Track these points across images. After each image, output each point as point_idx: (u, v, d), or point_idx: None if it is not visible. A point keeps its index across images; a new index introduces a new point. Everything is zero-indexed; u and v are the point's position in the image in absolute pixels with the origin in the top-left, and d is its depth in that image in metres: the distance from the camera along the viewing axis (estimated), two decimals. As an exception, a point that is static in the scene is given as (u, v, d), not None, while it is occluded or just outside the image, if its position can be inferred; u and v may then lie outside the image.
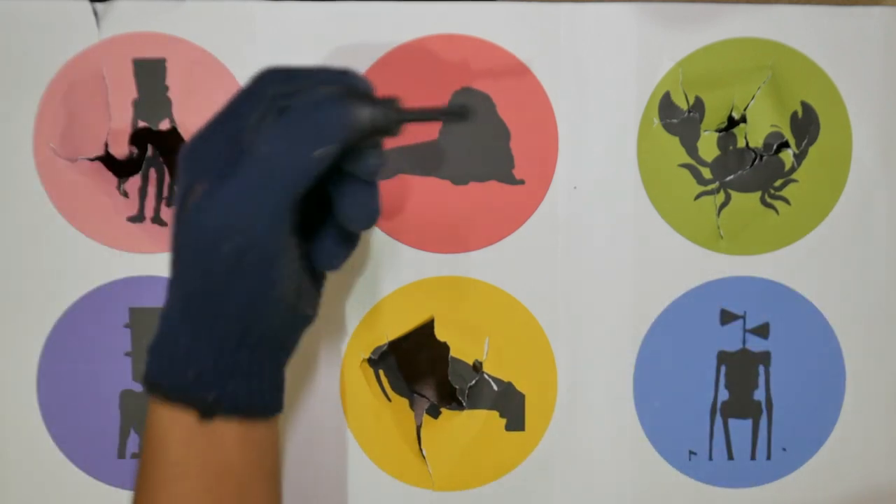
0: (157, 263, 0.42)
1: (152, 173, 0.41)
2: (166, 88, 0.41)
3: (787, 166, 0.42)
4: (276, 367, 0.32)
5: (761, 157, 0.42)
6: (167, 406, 0.30)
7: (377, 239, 0.42)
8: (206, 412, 0.30)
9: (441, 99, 0.41)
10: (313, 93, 0.28)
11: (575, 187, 0.42)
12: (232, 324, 0.29)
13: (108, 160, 0.41)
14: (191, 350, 0.30)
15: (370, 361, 0.42)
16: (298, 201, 0.29)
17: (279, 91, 0.29)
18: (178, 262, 0.30)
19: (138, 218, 0.41)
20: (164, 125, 0.41)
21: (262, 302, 0.29)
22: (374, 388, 0.42)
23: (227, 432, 0.30)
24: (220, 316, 0.29)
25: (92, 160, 0.41)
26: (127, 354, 0.42)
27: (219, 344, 0.29)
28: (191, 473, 0.30)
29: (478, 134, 0.41)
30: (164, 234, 0.42)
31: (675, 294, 0.43)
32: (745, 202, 0.42)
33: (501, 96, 0.41)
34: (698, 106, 0.42)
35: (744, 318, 0.43)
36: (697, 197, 0.42)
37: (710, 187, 0.42)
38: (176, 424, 0.30)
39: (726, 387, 0.43)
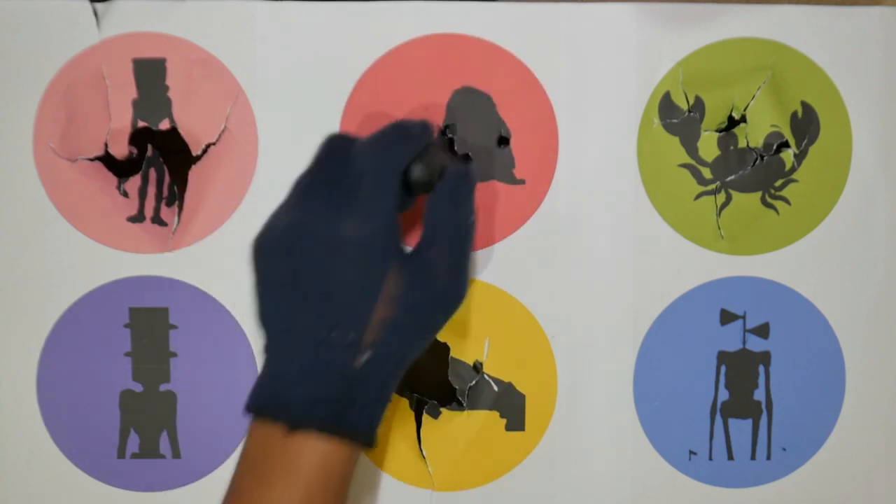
0: (157, 263, 0.42)
1: (152, 173, 0.41)
2: (166, 88, 0.41)
3: (788, 166, 0.42)
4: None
5: (762, 157, 0.42)
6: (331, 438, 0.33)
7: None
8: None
9: (441, 99, 0.41)
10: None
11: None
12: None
13: (108, 160, 0.41)
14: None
15: (370, 361, 0.42)
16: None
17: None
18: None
19: (138, 218, 0.41)
20: (164, 125, 0.41)
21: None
22: (374, 388, 0.42)
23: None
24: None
25: (92, 160, 0.41)
26: (127, 354, 0.42)
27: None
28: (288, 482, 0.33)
29: (478, 134, 0.41)
30: (164, 234, 0.42)
31: (675, 294, 0.43)
32: (746, 202, 0.42)
33: (501, 96, 0.41)
34: (698, 106, 0.42)
35: (744, 318, 0.43)
36: (697, 197, 0.42)
37: (710, 187, 0.42)
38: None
39: (726, 387, 0.43)
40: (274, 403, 0.33)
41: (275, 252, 0.34)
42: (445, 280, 0.34)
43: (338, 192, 0.34)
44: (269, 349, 0.34)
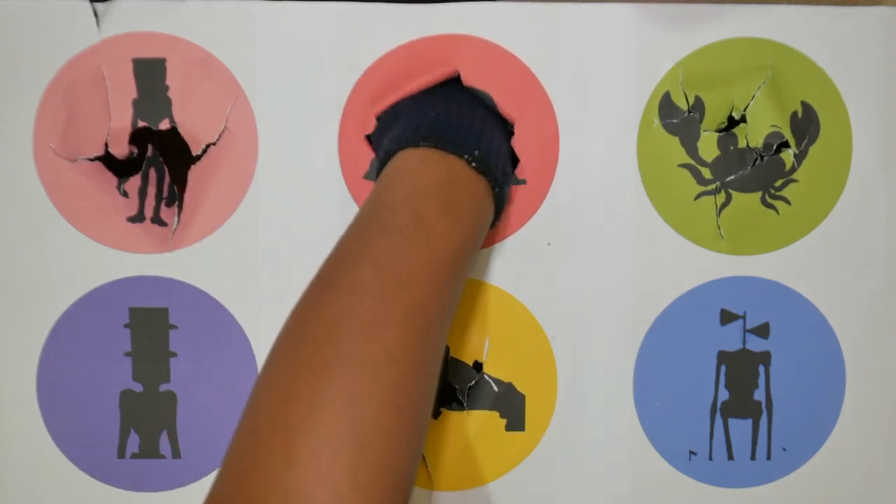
0: (157, 263, 0.42)
1: (152, 173, 0.41)
2: (166, 88, 0.41)
3: (788, 166, 0.42)
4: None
5: (762, 157, 0.42)
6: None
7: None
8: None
9: (441, 99, 0.41)
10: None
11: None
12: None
13: (108, 160, 0.41)
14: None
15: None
16: None
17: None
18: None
19: (138, 218, 0.41)
20: (164, 125, 0.41)
21: None
22: (374, 388, 0.42)
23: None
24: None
25: (92, 160, 0.41)
26: (127, 354, 0.42)
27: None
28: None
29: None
30: (165, 234, 0.42)
31: (675, 294, 0.43)
32: (746, 202, 0.42)
33: (502, 96, 0.41)
34: (698, 106, 0.42)
35: (744, 318, 0.43)
36: (697, 197, 0.42)
37: (710, 187, 0.42)
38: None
39: (726, 387, 0.43)
40: (460, 142, 0.36)
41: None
42: None
43: None
44: (444, 110, 0.38)
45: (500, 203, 0.38)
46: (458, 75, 0.41)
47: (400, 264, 0.31)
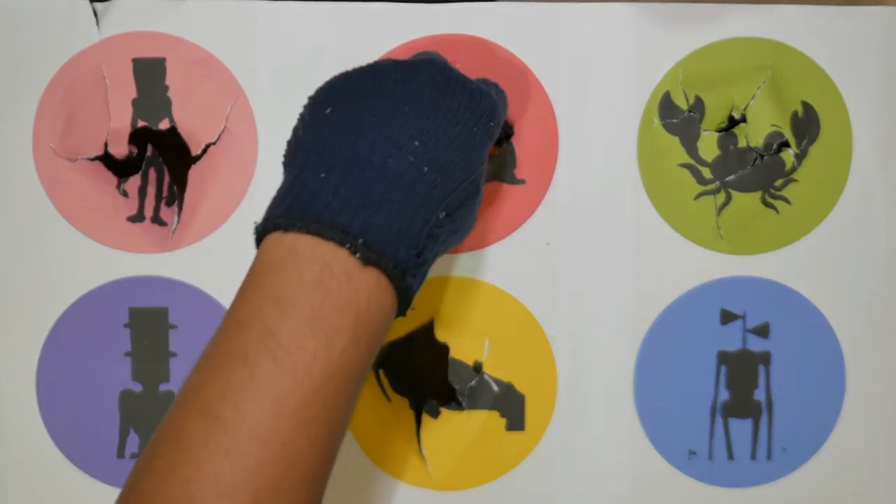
0: (157, 263, 0.42)
1: (152, 173, 0.41)
2: (166, 88, 0.41)
3: (788, 166, 0.42)
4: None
5: (762, 156, 0.42)
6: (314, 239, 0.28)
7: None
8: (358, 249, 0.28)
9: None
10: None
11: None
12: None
13: (107, 160, 0.41)
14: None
15: (370, 361, 0.42)
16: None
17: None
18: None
19: (138, 218, 0.41)
20: (164, 125, 0.41)
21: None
22: (374, 387, 0.42)
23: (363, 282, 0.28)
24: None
25: (92, 160, 0.41)
26: (127, 354, 0.42)
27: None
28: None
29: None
30: (164, 234, 0.42)
31: (675, 294, 0.43)
32: (746, 202, 0.42)
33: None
34: (698, 106, 0.42)
35: (744, 318, 0.43)
36: (697, 197, 0.42)
37: (710, 187, 0.42)
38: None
39: (726, 387, 0.43)
40: (342, 222, 0.27)
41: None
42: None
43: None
44: (334, 167, 0.29)
45: (406, 296, 0.29)
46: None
47: (239, 411, 0.25)
